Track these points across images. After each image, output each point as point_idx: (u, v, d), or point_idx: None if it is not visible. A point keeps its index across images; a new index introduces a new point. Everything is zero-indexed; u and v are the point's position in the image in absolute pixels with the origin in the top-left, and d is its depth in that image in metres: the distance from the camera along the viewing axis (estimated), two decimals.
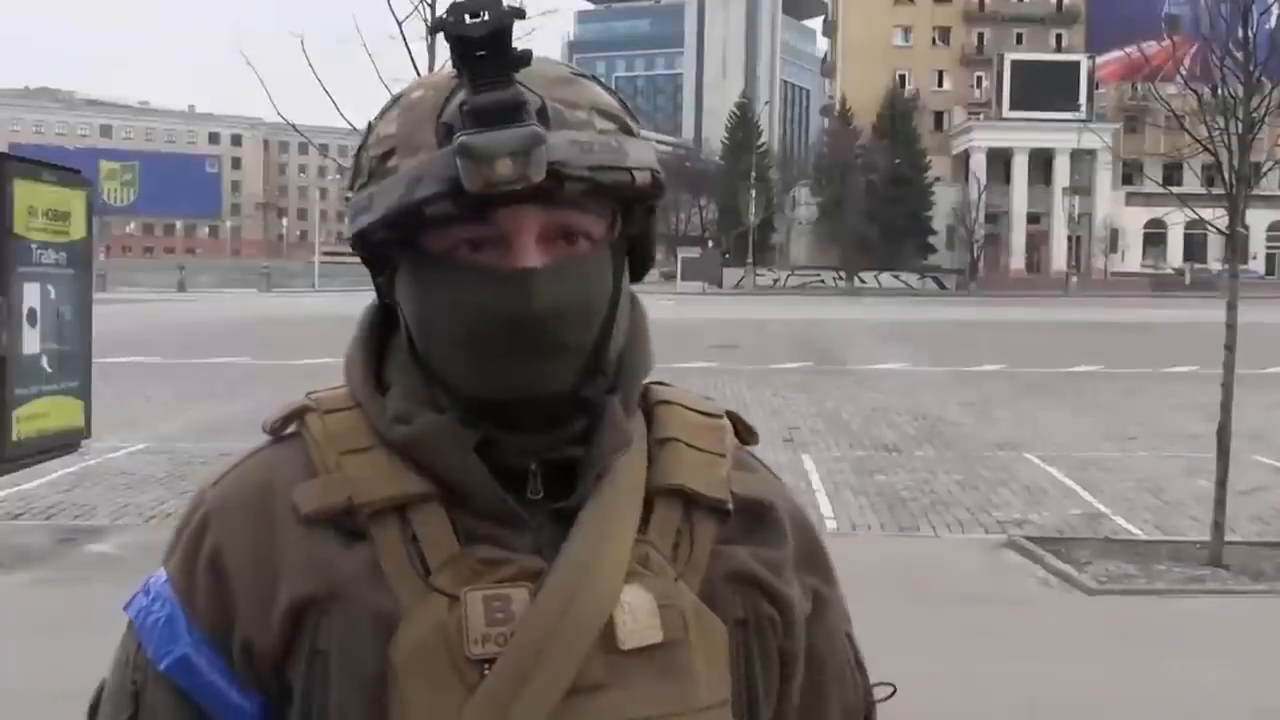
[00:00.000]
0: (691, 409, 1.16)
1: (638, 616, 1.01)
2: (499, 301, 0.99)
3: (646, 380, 1.15)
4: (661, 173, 1.06)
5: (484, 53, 0.97)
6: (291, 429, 1.10)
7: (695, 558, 1.07)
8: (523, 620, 0.98)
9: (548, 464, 1.05)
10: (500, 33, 0.97)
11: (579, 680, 0.98)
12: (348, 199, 1.08)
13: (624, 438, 1.07)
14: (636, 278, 1.12)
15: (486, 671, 0.97)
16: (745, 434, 1.18)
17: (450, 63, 1.03)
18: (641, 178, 1.03)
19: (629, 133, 1.04)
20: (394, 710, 0.97)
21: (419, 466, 1.04)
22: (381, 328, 1.13)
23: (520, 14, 0.98)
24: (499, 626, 0.98)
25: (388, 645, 0.98)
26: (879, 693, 1.22)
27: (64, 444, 8.55)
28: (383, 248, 1.07)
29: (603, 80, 1.09)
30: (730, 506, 1.10)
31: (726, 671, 1.04)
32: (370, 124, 1.08)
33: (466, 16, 0.97)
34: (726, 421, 1.17)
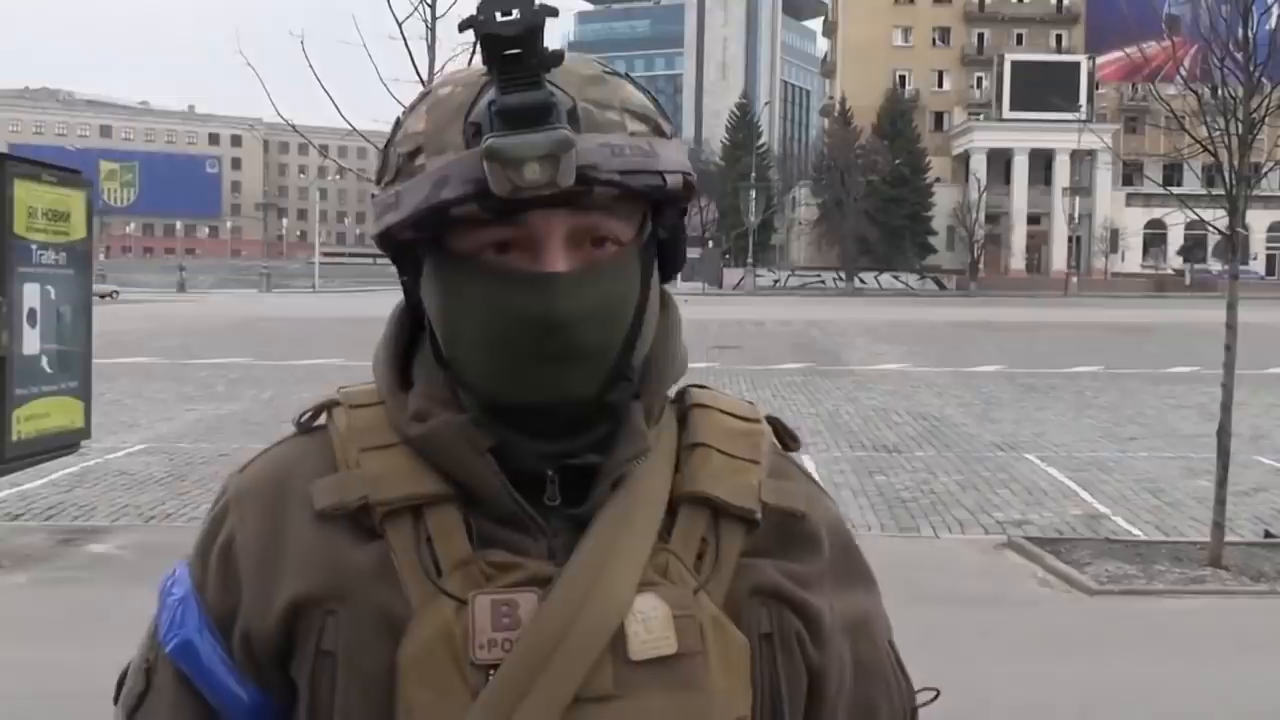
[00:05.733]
0: (728, 413, 1.13)
1: (651, 626, 0.98)
2: (524, 305, 0.98)
3: (684, 383, 1.13)
4: (694, 175, 1.03)
5: (515, 51, 0.95)
6: (319, 422, 1.10)
7: (720, 569, 1.04)
8: (529, 626, 0.97)
9: (567, 470, 1.03)
10: (532, 31, 0.95)
11: (586, 689, 0.96)
12: (373, 196, 1.06)
13: (641, 445, 1.05)
14: (666, 278, 1.10)
15: (491, 676, 0.96)
16: (787, 440, 1.15)
17: (482, 60, 1.01)
18: (673, 181, 1.01)
19: (660, 134, 1.03)
20: (399, 713, 0.97)
21: (437, 467, 1.03)
22: (410, 326, 1.12)
23: (553, 12, 0.96)
24: (505, 632, 0.97)
25: (395, 646, 0.97)
26: (922, 697, 1.20)
27: (64, 444, 8.55)
28: (408, 246, 1.05)
29: (635, 79, 1.06)
30: (758, 516, 1.06)
31: (747, 687, 1.02)
32: (399, 119, 1.07)
33: (498, 14, 0.95)
34: (765, 427, 1.14)
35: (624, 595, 0.99)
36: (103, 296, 64.33)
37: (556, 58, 0.98)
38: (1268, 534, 9.07)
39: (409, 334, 1.12)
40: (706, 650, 0.99)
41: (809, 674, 1.08)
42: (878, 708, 1.14)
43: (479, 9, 0.96)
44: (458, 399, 1.05)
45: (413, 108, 1.06)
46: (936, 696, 1.21)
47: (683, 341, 1.12)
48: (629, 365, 1.04)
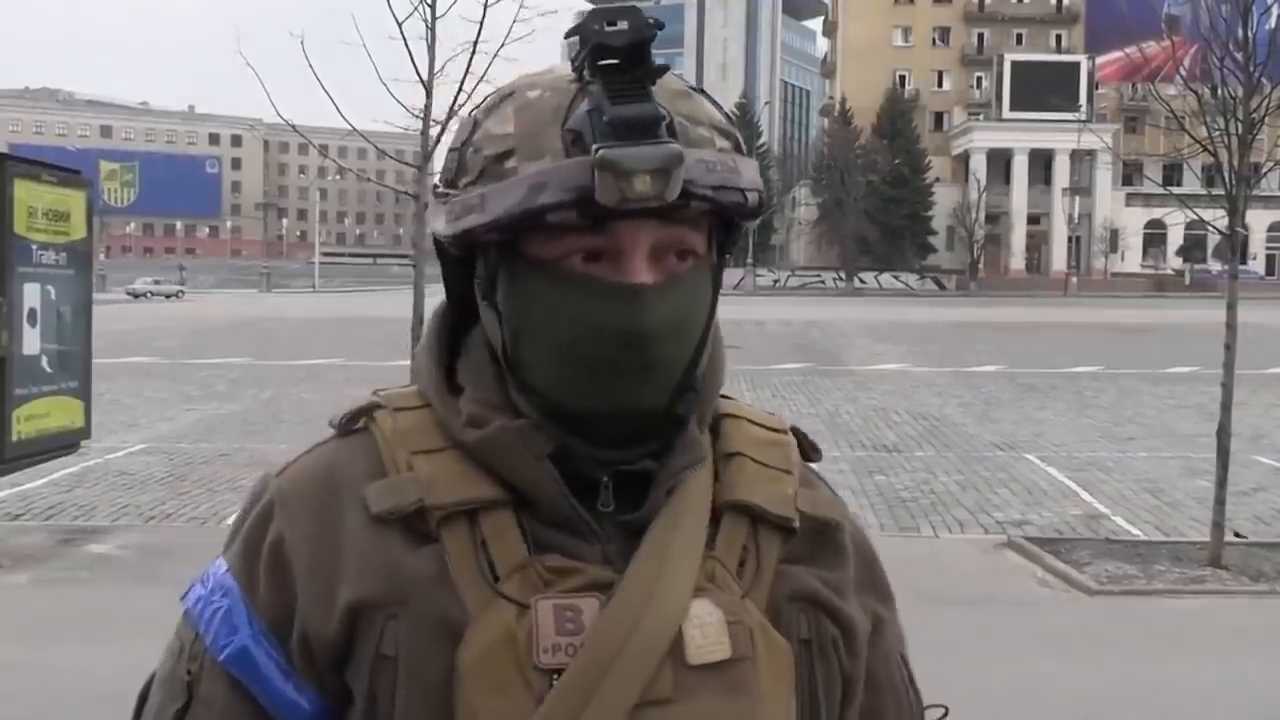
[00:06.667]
0: (757, 424, 1.15)
1: (707, 631, 1.00)
2: (612, 316, 0.98)
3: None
4: (765, 193, 1.05)
5: (615, 62, 0.96)
6: (359, 425, 1.09)
7: (761, 575, 1.06)
8: (593, 631, 0.97)
9: (619, 475, 1.04)
10: (641, 44, 0.96)
11: (646, 694, 0.97)
12: (444, 194, 1.05)
13: (697, 453, 1.06)
14: None
15: (555, 681, 0.96)
16: (809, 450, 1.17)
17: (571, 64, 1.01)
18: (752, 199, 1.02)
19: (740, 151, 1.04)
20: (459, 717, 0.97)
21: (490, 471, 1.03)
22: (453, 328, 1.12)
23: (661, 26, 0.97)
24: (569, 636, 0.97)
25: (454, 651, 0.97)
26: (931, 714, 1.21)
27: (64, 444, 8.56)
28: (478, 249, 1.04)
29: (711, 96, 1.07)
30: (796, 525, 1.08)
31: (791, 692, 1.03)
32: (475, 119, 1.06)
33: (606, 25, 0.96)
34: (792, 438, 1.16)
35: (682, 601, 1.00)
36: (169, 296, 64.62)
37: (661, 71, 0.98)
38: (1236, 534, 9.06)
39: (452, 336, 1.12)
40: (756, 655, 1.01)
41: (842, 680, 1.09)
42: (886, 717, 1.15)
43: (588, 18, 0.96)
44: (511, 403, 1.05)
45: (493, 109, 1.05)
46: (946, 714, 1.22)
47: (725, 352, 1.13)
48: (695, 377, 1.05)
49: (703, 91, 1.06)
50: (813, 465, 1.18)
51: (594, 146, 0.94)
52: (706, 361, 1.07)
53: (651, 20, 0.96)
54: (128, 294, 63.51)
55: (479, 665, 0.97)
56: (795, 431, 1.17)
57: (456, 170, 1.05)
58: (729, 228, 1.07)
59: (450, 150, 1.07)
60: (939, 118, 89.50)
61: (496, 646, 0.97)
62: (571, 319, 0.99)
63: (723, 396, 1.15)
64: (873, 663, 1.13)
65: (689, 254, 1.02)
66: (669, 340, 1.00)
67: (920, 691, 1.20)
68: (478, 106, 1.08)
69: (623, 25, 0.96)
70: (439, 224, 1.05)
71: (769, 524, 1.07)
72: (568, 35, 1.00)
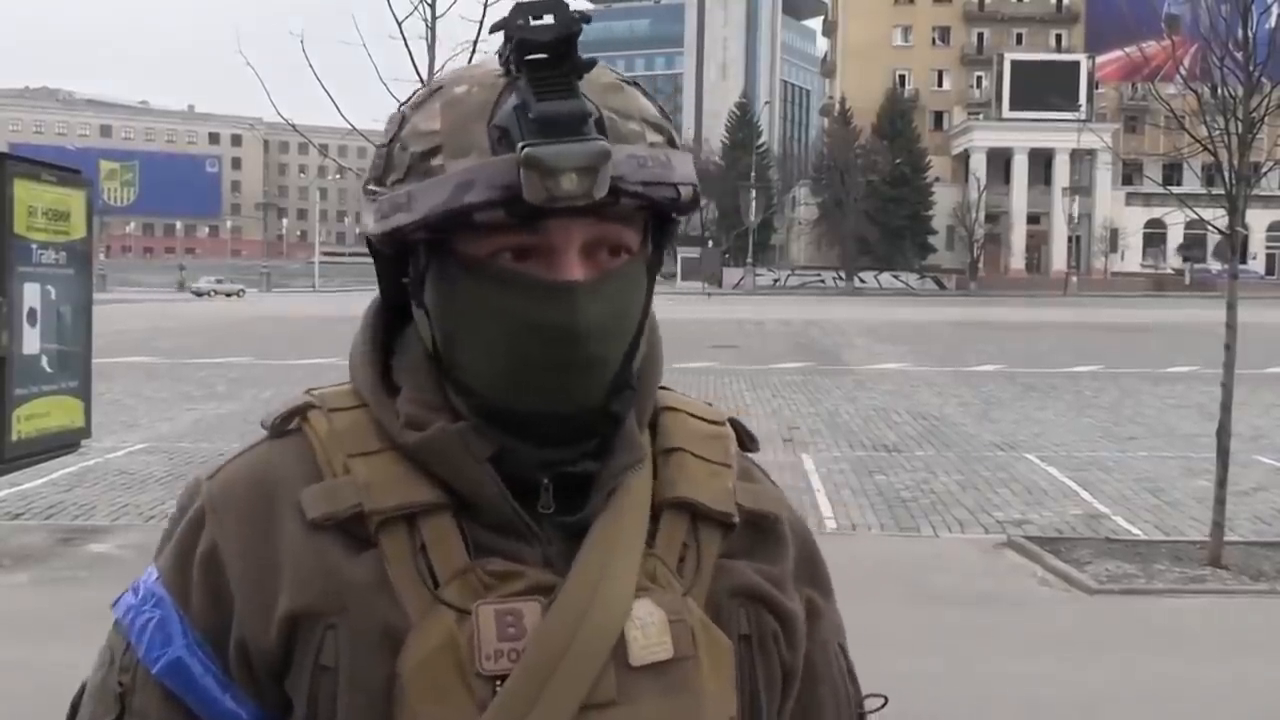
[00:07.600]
0: (696, 416, 1.14)
1: (649, 632, 0.99)
2: (544, 314, 0.97)
3: None
4: (699, 185, 1.03)
5: (543, 57, 0.94)
6: (293, 426, 1.07)
7: (701, 572, 1.05)
8: (535, 636, 0.96)
9: (559, 477, 1.02)
10: (567, 39, 0.94)
11: (590, 697, 0.96)
12: (372, 191, 1.03)
13: (638, 454, 1.05)
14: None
15: (498, 687, 0.95)
16: (747, 441, 1.16)
17: (498, 59, 0.99)
18: (685, 193, 1.01)
19: (673, 145, 1.02)
20: None
21: (429, 473, 1.01)
22: (387, 327, 1.10)
23: (587, 19, 0.95)
24: (510, 642, 0.96)
25: (395, 659, 0.96)
26: (870, 704, 1.20)
27: (64, 444, 8.55)
28: (408, 247, 1.02)
29: (644, 87, 1.05)
30: (736, 520, 1.08)
31: (732, 689, 1.03)
32: (403, 114, 1.04)
33: (531, 19, 0.94)
34: (730, 430, 1.15)
35: (624, 603, 0.99)
36: (229, 295, 65.66)
37: (589, 65, 0.97)
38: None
39: (387, 334, 1.10)
40: (698, 654, 1.00)
41: (783, 673, 1.09)
42: (823, 706, 1.15)
43: (512, 12, 0.95)
44: (449, 404, 1.03)
45: (420, 104, 1.03)
46: (885, 704, 1.21)
47: (662, 348, 1.12)
48: (630, 374, 1.04)
49: (636, 84, 1.04)
50: (750, 455, 1.17)
51: (520, 144, 0.93)
52: (642, 357, 1.06)
53: (578, 14, 0.94)
54: (192, 293, 66.34)
55: (420, 673, 0.95)
56: (733, 422, 1.16)
57: (385, 167, 1.03)
58: (664, 222, 1.05)
59: (379, 147, 1.05)
60: (939, 117, 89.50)
61: (438, 654, 0.96)
62: (504, 318, 0.98)
63: (661, 388, 1.14)
64: (809, 651, 1.13)
65: (622, 250, 1.01)
66: (603, 338, 0.99)
67: (858, 682, 1.20)
68: (406, 101, 1.06)
69: (548, 19, 0.94)
70: (368, 222, 1.03)
71: (709, 520, 1.07)
72: (492, 30, 0.98)
